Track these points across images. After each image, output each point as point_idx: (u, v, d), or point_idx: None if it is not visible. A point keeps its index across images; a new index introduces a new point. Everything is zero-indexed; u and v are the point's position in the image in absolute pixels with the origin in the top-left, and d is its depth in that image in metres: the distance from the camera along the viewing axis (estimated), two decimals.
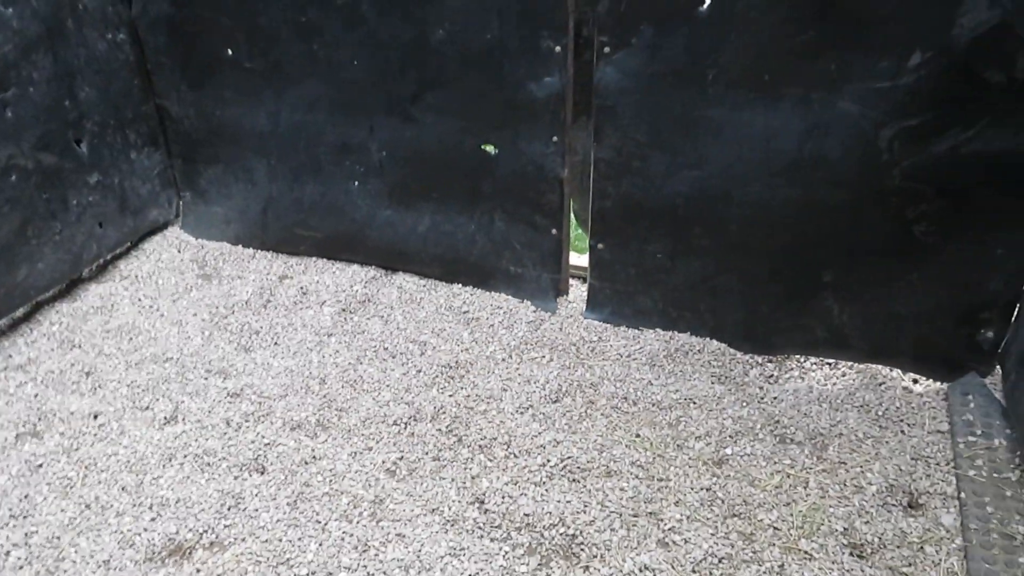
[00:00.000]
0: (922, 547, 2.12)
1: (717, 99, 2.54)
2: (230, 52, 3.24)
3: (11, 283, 3.02)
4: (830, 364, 2.82)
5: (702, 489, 2.32)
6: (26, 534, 2.22)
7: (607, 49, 2.61)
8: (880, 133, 2.40)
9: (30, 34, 2.97)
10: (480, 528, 2.20)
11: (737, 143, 2.58)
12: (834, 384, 2.74)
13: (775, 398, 2.67)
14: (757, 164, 2.58)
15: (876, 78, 2.33)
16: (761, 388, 2.72)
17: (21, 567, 2.12)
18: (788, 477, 2.35)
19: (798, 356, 2.86)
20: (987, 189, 2.38)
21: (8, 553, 2.16)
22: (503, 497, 2.30)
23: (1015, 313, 2.53)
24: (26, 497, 2.34)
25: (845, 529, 2.17)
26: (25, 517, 2.28)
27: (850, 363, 2.81)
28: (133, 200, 3.56)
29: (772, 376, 2.79)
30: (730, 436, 2.51)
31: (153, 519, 2.26)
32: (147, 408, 2.70)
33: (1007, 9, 2.14)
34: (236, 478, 2.40)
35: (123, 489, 2.37)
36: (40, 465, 2.46)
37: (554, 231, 3.06)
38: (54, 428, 2.62)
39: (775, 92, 2.46)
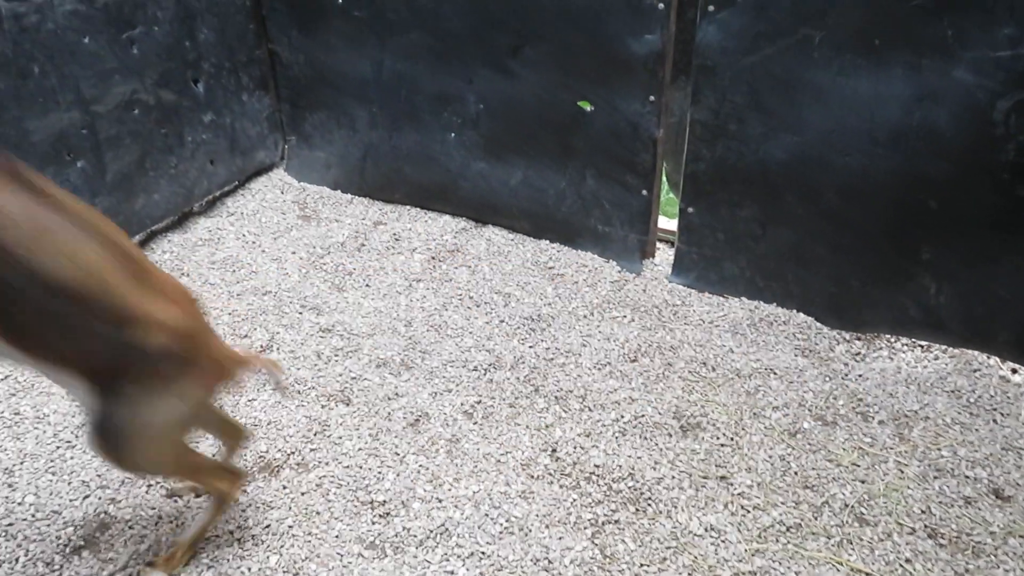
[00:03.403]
0: (1005, 539, 2.05)
1: (823, 63, 2.46)
2: (339, 0, 3.33)
3: (129, 211, 3.23)
4: (922, 346, 2.73)
5: (776, 458, 2.31)
6: None
7: (711, 7, 2.55)
8: (996, 105, 2.28)
9: None
10: (551, 475, 2.26)
11: (840, 109, 2.50)
12: (925, 367, 2.66)
13: (860, 375, 2.61)
14: (860, 132, 2.50)
15: (996, 46, 2.21)
16: (846, 364, 2.67)
17: None
18: (867, 455, 2.31)
19: (888, 335, 2.77)
20: None
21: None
22: (575, 447, 2.35)
23: None
24: None
25: (923, 511, 2.13)
26: None
27: (944, 346, 2.71)
28: (243, 141, 3.73)
29: (859, 354, 2.72)
30: (809, 409, 2.48)
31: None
32: (245, 336, 2.86)
33: None
34: (323, 407, 2.53)
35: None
36: None
37: (645, 192, 3.04)
38: None
39: (884, 57, 2.37)
